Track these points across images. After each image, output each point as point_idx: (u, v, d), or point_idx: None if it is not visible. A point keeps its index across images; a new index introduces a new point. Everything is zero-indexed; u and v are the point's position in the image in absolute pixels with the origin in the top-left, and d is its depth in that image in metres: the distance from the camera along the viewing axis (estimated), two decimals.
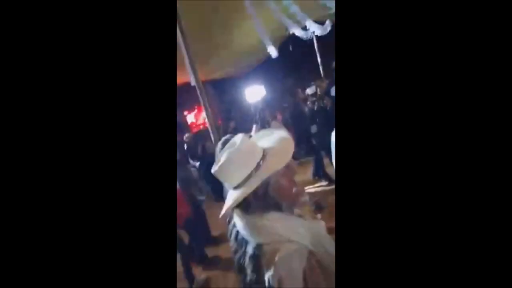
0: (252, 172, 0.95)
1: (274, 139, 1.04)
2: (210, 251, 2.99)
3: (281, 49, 4.83)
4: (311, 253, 0.87)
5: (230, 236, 1.04)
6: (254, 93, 4.59)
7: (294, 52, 5.37)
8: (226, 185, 0.99)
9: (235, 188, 0.96)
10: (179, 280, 2.54)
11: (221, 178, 0.97)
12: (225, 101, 4.30)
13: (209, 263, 2.90)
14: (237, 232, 1.00)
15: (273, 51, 4.79)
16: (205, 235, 3.15)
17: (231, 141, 0.99)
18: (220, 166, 0.95)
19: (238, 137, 0.98)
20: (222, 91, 4.16)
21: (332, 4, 3.44)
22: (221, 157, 0.97)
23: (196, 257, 2.89)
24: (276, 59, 4.79)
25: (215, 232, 3.23)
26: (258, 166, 0.96)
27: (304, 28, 4.39)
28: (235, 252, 1.01)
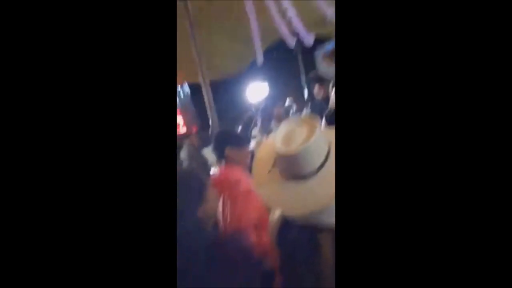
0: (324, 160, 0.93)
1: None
2: None
3: (265, 55, 4.85)
4: None
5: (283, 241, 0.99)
6: (254, 93, 4.54)
7: (278, 59, 5.43)
8: (297, 171, 0.93)
9: (306, 176, 0.91)
10: None
11: (303, 159, 0.91)
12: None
13: None
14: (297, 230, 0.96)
15: (260, 58, 4.77)
16: None
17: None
18: (308, 146, 0.90)
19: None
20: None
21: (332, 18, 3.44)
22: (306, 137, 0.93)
23: None
24: (261, 65, 4.80)
25: None
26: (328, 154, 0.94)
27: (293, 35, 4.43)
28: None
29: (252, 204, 1.39)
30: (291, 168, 0.93)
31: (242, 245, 1.14)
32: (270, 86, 4.65)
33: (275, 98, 4.00)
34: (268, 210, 1.22)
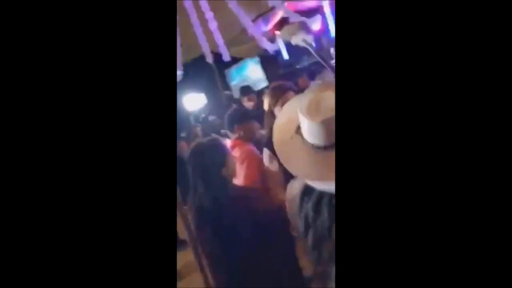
0: None
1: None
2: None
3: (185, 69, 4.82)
4: None
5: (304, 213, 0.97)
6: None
7: (197, 75, 5.44)
8: (323, 139, 0.88)
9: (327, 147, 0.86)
10: None
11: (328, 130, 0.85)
12: None
13: None
14: (318, 200, 0.93)
15: (179, 72, 4.72)
16: None
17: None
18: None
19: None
20: None
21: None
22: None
23: None
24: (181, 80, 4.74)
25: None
26: None
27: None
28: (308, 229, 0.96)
29: (254, 167, 1.88)
30: (316, 136, 0.88)
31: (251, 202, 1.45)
32: (192, 99, 4.65)
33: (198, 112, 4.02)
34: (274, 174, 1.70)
